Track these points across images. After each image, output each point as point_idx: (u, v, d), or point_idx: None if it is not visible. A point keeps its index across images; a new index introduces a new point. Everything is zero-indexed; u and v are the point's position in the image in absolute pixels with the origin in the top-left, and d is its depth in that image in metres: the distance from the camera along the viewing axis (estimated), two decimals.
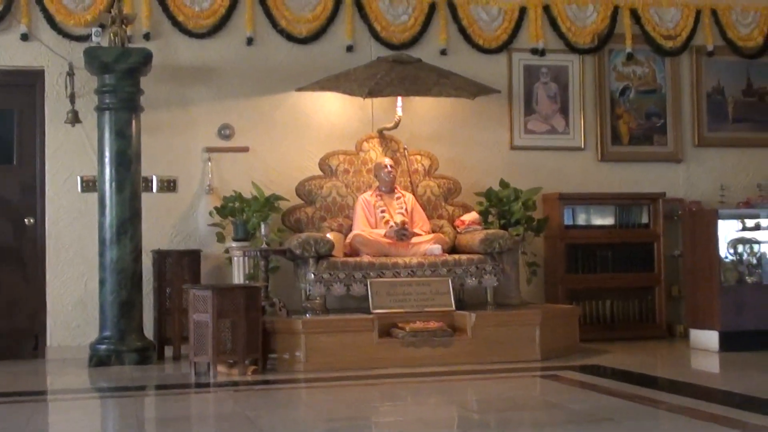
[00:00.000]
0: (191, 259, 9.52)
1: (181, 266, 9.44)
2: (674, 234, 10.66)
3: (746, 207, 10.45)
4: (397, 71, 9.85)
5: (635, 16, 11.00)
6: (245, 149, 10.06)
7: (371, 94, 9.77)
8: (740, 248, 9.65)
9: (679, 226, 10.41)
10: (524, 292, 10.05)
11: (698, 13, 11.16)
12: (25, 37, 9.63)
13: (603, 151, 10.91)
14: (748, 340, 9.26)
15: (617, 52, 11.04)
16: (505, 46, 10.72)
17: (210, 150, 9.97)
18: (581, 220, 10.63)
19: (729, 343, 9.26)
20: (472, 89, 10.14)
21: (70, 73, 9.58)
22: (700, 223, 9.69)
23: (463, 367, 8.43)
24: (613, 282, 10.46)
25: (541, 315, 8.94)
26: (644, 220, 10.68)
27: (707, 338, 9.44)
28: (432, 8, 10.52)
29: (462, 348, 8.68)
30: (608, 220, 10.65)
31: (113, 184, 9.02)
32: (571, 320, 9.49)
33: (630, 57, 11.02)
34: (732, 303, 9.36)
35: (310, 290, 9.02)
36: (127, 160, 9.05)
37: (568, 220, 10.50)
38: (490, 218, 9.93)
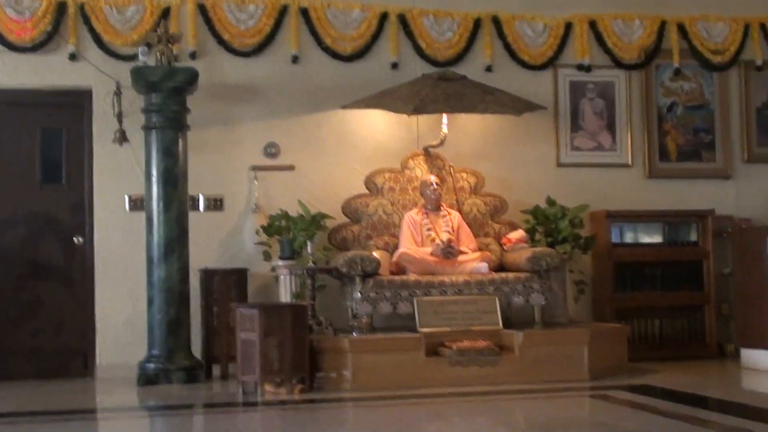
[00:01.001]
0: (238, 277, 9.53)
1: (228, 285, 9.45)
2: (723, 252, 10.53)
3: None
4: (442, 88, 9.83)
5: (682, 30, 10.91)
6: (291, 167, 10.08)
7: (416, 111, 9.75)
8: None
9: (729, 243, 10.30)
10: (572, 310, 9.98)
11: (746, 27, 11.06)
12: (73, 57, 9.70)
13: (651, 168, 10.82)
14: None
15: (664, 67, 10.95)
16: (551, 62, 10.67)
17: (256, 168, 9.99)
18: (629, 237, 10.53)
19: None
20: (518, 106, 10.09)
21: (118, 93, 9.64)
22: (750, 241, 9.58)
23: (511, 387, 8.36)
24: (662, 300, 10.35)
25: (589, 334, 8.86)
26: (693, 237, 10.57)
27: (759, 358, 9.31)
28: (477, 24, 10.49)
29: (509, 367, 8.62)
30: (656, 238, 10.54)
31: (160, 202, 9.06)
32: (620, 339, 9.40)
33: (677, 72, 10.93)
34: None
35: (356, 309, 9.00)
36: (174, 179, 9.08)
37: (615, 238, 10.40)
38: (537, 236, 9.88)
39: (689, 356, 10.20)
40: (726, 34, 11.03)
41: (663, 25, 10.88)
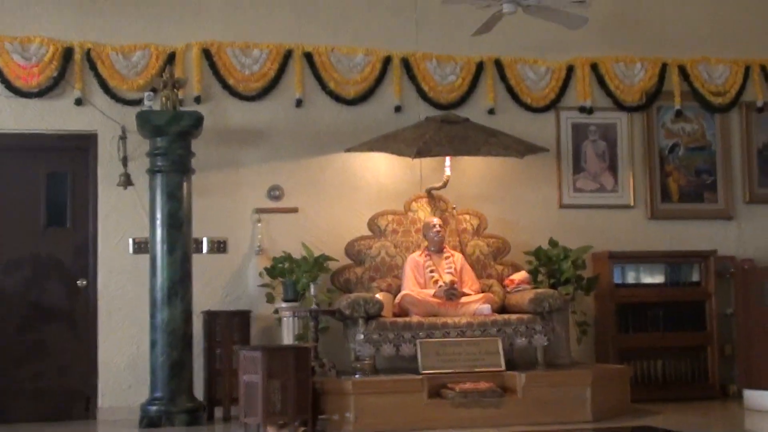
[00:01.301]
0: (241, 319, 9.55)
1: (231, 327, 9.48)
2: (726, 292, 10.53)
3: None
4: (446, 131, 9.89)
5: (684, 73, 10.98)
6: (294, 210, 10.13)
7: (420, 154, 9.80)
8: None
9: (731, 284, 10.31)
10: (575, 351, 9.98)
11: (747, 69, 11.12)
12: (78, 102, 9.78)
13: (653, 209, 10.86)
14: None
15: (666, 109, 11.01)
16: (553, 105, 10.74)
17: (260, 211, 10.05)
18: (631, 278, 10.55)
19: None
20: (521, 148, 10.14)
21: (123, 137, 9.72)
22: (752, 281, 9.61)
23: (514, 428, 8.36)
24: (665, 341, 10.34)
25: (592, 375, 8.86)
26: (695, 278, 10.58)
27: (762, 399, 9.31)
28: (479, 68, 10.57)
29: (512, 409, 8.61)
30: (659, 279, 10.56)
31: (165, 245, 9.11)
32: (623, 380, 9.39)
33: (679, 114, 10.99)
34: None
35: (359, 351, 9.01)
36: (178, 222, 9.14)
37: (618, 279, 10.42)
38: (540, 277, 9.91)
39: (692, 397, 10.18)
40: (727, 76, 11.10)
41: (664, 67, 10.95)
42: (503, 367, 8.88)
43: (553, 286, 9.73)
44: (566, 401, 8.73)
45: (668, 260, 10.57)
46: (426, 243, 9.78)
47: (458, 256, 9.75)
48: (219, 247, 9.96)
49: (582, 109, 10.79)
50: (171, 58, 9.90)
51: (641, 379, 10.22)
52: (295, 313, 9.34)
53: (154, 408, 8.99)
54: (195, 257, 9.43)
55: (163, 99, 9.34)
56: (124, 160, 9.69)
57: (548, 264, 9.97)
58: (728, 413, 9.54)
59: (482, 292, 9.61)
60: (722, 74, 11.10)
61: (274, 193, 10.13)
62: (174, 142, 9.19)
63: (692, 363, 10.40)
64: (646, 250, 10.61)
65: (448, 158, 10.10)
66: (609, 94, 10.84)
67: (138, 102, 9.71)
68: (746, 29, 11.24)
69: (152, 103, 9.46)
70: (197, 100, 9.93)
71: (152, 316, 9.13)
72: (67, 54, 9.74)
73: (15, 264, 9.75)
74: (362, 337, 8.95)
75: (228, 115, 10.11)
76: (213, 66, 10.02)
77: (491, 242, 10.11)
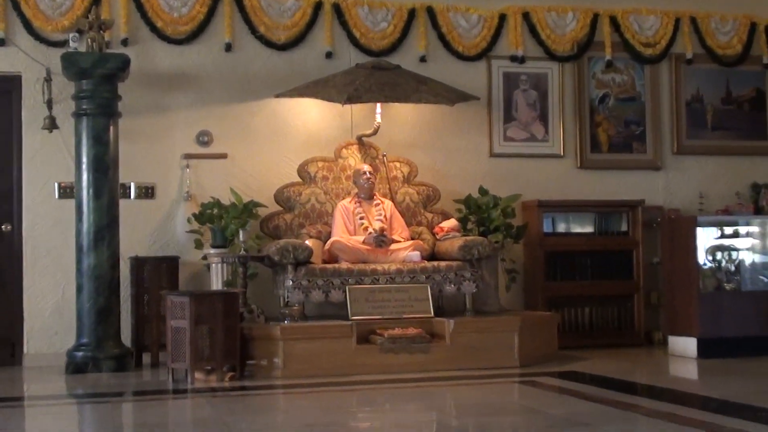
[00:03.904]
0: (169, 265, 9.48)
1: (158, 273, 9.40)
2: (653, 241, 10.65)
3: (725, 214, 10.50)
4: (376, 78, 9.83)
5: (615, 23, 11.02)
6: (224, 156, 10.04)
7: (350, 100, 9.75)
8: (719, 255, 9.70)
9: (658, 233, 10.42)
10: (503, 299, 10.03)
11: (677, 21, 11.20)
12: (2, 43, 9.58)
13: (582, 159, 10.92)
14: (727, 347, 9.29)
15: (597, 59, 11.05)
16: (485, 54, 10.73)
17: (188, 156, 9.94)
18: (560, 227, 10.63)
19: (707, 350, 9.27)
20: (452, 96, 10.13)
21: (48, 79, 9.55)
22: (678, 231, 9.70)
23: (442, 374, 8.40)
24: (592, 289, 10.44)
25: (519, 322, 8.92)
26: (623, 227, 10.68)
27: (685, 345, 9.45)
28: (411, 15, 10.52)
29: (440, 354, 8.66)
30: (587, 228, 10.65)
31: (91, 190, 8.97)
32: (550, 327, 9.48)
33: (609, 65, 11.04)
34: (710, 310, 9.37)
35: (288, 297, 8.99)
36: (104, 167, 9.00)
37: (547, 228, 10.49)
38: (469, 225, 9.95)
39: (618, 344, 10.32)
40: (657, 28, 11.16)
41: (595, 17, 10.99)
42: (432, 314, 8.92)
43: (482, 234, 9.77)
44: (494, 347, 8.79)
45: (597, 210, 10.66)
46: (356, 190, 9.76)
47: (388, 204, 9.74)
48: (147, 192, 9.85)
49: (513, 59, 10.79)
50: None
51: (569, 327, 10.33)
52: (224, 259, 9.28)
53: (80, 354, 8.91)
54: (122, 203, 9.32)
55: (89, 41, 9.16)
56: (49, 103, 9.51)
57: (478, 212, 10.01)
58: (653, 359, 9.67)
59: (412, 239, 9.63)
60: (653, 26, 11.16)
61: (203, 138, 10.03)
62: (100, 84, 9.03)
63: (619, 311, 10.53)
64: (575, 199, 10.70)
65: (378, 105, 10.07)
66: (540, 43, 10.86)
67: (63, 43, 9.53)
68: None
69: (78, 45, 9.29)
70: (124, 42, 9.77)
71: (78, 261, 9.02)
72: None
73: None
74: (291, 283, 8.93)
75: (156, 58, 9.96)
76: (140, 8, 9.85)
77: (421, 190, 10.11)
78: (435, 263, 9.29)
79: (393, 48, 10.47)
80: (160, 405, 7.57)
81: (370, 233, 9.39)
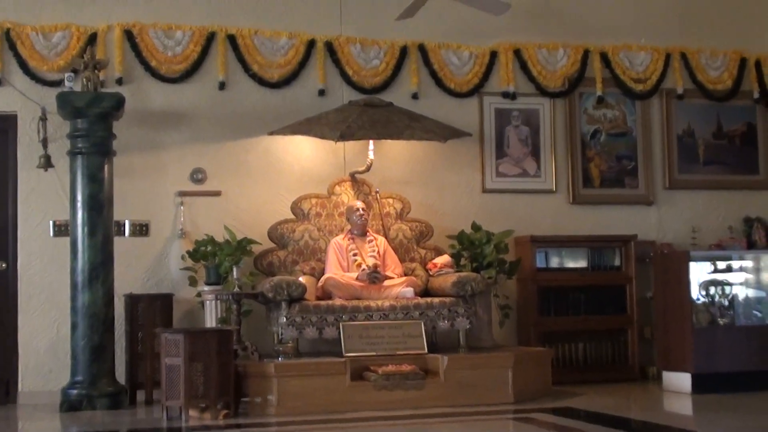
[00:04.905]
0: (163, 303, 9.49)
1: (153, 310, 9.41)
2: (646, 276, 10.65)
3: (718, 249, 10.55)
4: (369, 115, 9.89)
5: (605, 59, 11.10)
6: (217, 193, 10.08)
7: (343, 137, 9.80)
8: (712, 290, 9.71)
9: (651, 268, 10.44)
10: (497, 334, 10.05)
11: (668, 56, 11.28)
12: None
13: (575, 194, 10.97)
14: (721, 382, 9.29)
15: (588, 95, 11.12)
16: (476, 90, 10.79)
17: (182, 194, 9.98)
18: (553, 262, 10.66)
19: (702, 385, 9.28)
20: (444, 132, 10.19)
21: (43, 118, 9.60)
22: (671, 265, 9.72)
23: (436, 410, 8.40)
24: (586, 324, 10.46)
25: (513, 358, 8.93)
26: (616, 262, 10.71)
27: (680, 380, 9.46)
28: (403, 52, 10.59)
29: (435, 391, 8.66)
30: (580, 263, 10.68)
31: (85, 228, 9.00)
32: (544, 363, 9.49)
33: (600, 100, 11.11)
34: (704, 345, 9.37)
35: (282, 334, 9.00)
36: (99, 204, 9.04)
37: (540, 263, 10.52)
38: (463, 261, 9.96)
39: (613, 379, 10.32)
40: (648, 63, 11.24)
41: (586, 54, 11.07)
42: (426, 350, 8.93)
43: (475, 270, 9.78)
44: (488, 383, 8.80)
45: (589, 244, 10.68)
46: (349, 226, 9.79)
47: (381, 240, 9.78)
48: (141, 229, 9.88)
49: (505, 95, 10.86)
50: (92, 39, 9.79)
51: (563, 362, 10.34)
52: (218, 296, 9.28)
53: (75, 392, 8.90)
54: (117, 240, 9.35)
55: (84, 80, 9.22)
56: (44, 142, 9.57)
57: (471, 248, 10.03)
58: (647, 395, 9.66)
59: (405, 275, 9.65)
60: (643, 61, 11.24)
61: (197, 176, 10.07)
62: (95, 123, 9.08)
63: (613, 346, 10.54)
64: (568, 234, 10.73)
65: (371, 142, 10.12)
66: (532, 79, 10.92)
67: (58, 83, 9.59)
68: (667, 17, 11.40)
69: (73, 84, 9.34)
70: (119, 81, 9.83)
71: (73, 299, 9.03)
72: None
73: None
74: (285, 320, 8.95)
75: (150, 97, 10.02)
76: (135, 47, 9.92)
77: (414, 226, 10.14)
78: (428, 299, 9.32)
79: (385, 85, 10.54)
80: None
81: (364, 270, 9.42)
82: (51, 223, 9.67)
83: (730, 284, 9.77)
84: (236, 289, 9.12)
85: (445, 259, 9.83)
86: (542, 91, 10.96)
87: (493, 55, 10.84)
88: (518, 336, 10.54)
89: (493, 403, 8.68)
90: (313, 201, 9.99)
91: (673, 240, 11.07)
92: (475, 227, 10.15)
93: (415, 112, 10.20)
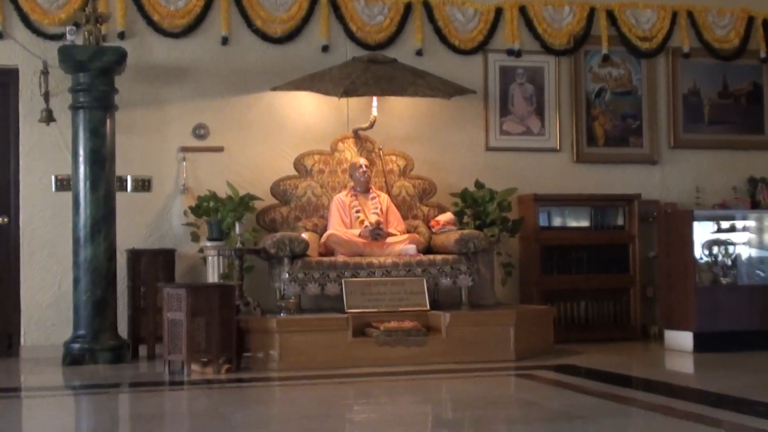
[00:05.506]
0: (165, 258, 9.48)
1: (155, 265, 9.40)
2: (649, 235, 10.65)
3: (721, 209, 10.53)
4: (373, 71, 9.83)
5: (611, 17, 11.03)
6: (220, 149, 10.04)
7: (346, 93, 9.74)
8: (715, 250, 9.70)
9: (655, 227, 10.42)
10: (499, 292, 10.05)
11: (674, 14, 11.21)
12: None
13: (578, 153, 10.92)
14: (723, 341, 9.29)
15: (593, 53, 11.06)
16: (481, 47, 10.73)
17: (185, 150, 9.94)
18: (556, 221, 10.64)
19: (703, 344, 9.28)
20: (448, 89, 10.13)
21: (45, 72, 9.54)
22: (675, 225, 9.70)
23: (438, 367, 8.41)
24: (588, 283, 10.46)
25: (515, 315, 8.93)
26: (619, 221, 10.69)
27: (682, 339, 9.46)
28: (408, 9, 10.52)
29: (436, 347, 8.67)
30: (583, 222, 10.66)
31: (87, 183, 8.97)
32: (546, 321, 9.49)
33: (606, 58, 11.04)
34: (707, 304, 9.38)
35: (284, 290, 8.99)
36: (101, 159, 9.01)
37: (543, 222, 10.50)
38: (465, 219, 9.94)
39: (614, 338, 10.34)
40: (654, 22, 11.17)
41: (592, 11, 10.99)
42: (428, 307, 8.92)
43: (478, 228, 9.77)
44: (490, 341, 8.80)
45: (593, 204, 10.66)
46: (352, 183, 9.76)
47: (384, 197, 9.75)
48: (143, 185, 9.85)
49: (510, 52, 10.79)
50: None
51: (564, 320, 10.34)
52: (220, 252, 9.28)
53: (77, 346, 8.91)
54: (119, 195, 9.33)
55: (86, 34, 9.15)
56: (46, 96, 9.52)
57: (474, 206, 10.00)
58: (649, 353, 9.68)
59: (408, 232, 9.63)
60: (649, 19, 11.17)
61: (199, 131, 10.03)
62: (97, 77, 9.03)
63: (615, 305, 10.54)
64: (571, 193, 10.70)
65: (375, 98, 10.06)
66: (537, 37, 10.86)
67: (60, 37, 9.52)
68: None
69: (74, 38, 9.27)
70: (121, 35, 9.78)
71: (75, 253, 9.02)
72: None
73: None
74: (287, 276, 8.94)
75: (152, 51, 9.96)
76: (137, 1, 9.85)
77: (417, 183, 10.12)
78: (431, 257, 9.30)
79: (389, 42, 10.47)
80: (156, 397, 7.57)
81: (366, 226, 9.40)
82: (53, 177, 9.65)
83: (733, 244, 9.76)
84: (238, 245, 9.12)
85: (447, 216, 9.80)
86: (547, 49, 10.89)
87: (498, 11, 10.76)
88: (520, 294, 10.54)
89: (494, 360, 8.69)
90: (316, 157, 9.95)
91: (676, 199, 11.04)
92: (479, 185, 10.12)
93: (420, 69, 10.15)
